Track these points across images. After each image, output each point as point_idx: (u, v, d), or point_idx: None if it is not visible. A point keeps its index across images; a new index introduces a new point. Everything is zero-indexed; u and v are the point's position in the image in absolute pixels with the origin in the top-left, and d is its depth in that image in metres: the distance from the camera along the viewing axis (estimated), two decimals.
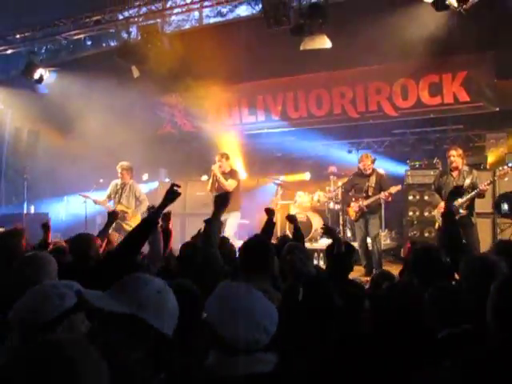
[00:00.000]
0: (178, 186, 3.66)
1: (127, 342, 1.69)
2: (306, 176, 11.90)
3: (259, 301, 1.97)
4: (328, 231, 5.01)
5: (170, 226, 5.14)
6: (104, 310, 1.70)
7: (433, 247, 3.85)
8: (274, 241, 5.71)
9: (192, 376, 1.96)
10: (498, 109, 9.47)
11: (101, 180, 10.05)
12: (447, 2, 7.19)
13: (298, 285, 2.90)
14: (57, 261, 3.18)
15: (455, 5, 7.11)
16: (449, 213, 4.07)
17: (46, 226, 5.77)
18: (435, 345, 2.61)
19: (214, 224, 3.86)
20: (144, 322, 1.72)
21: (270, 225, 5.30)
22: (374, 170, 8.72)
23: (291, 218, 5.82)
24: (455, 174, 7.54)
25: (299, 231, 5.51)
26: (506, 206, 2.90)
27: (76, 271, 3.22)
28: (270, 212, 5.43)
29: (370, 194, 8.61)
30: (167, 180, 12.70)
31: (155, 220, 3.57)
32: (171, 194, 3.61)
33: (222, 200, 4.00)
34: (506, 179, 7.70)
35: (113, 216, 5.39)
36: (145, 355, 1.71)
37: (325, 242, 10.28)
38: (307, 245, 8.98)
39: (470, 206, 7.44)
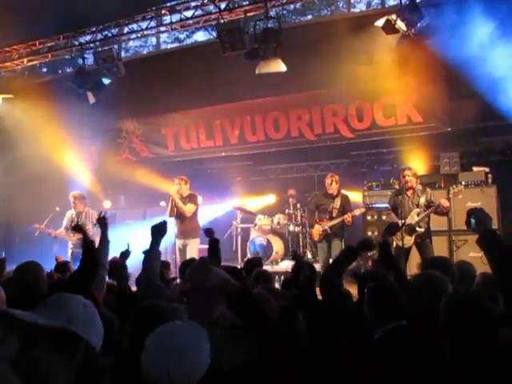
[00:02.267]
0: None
1: (57, 358, 1.67)
2: (271, 198, 11.94)
3: (192, 344, 1.94)
4: (296, 257, 4.98)
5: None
6: (35, 324, 1.66)
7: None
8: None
9: None
10: (449, 129, 9.71)
11: (57, 208, 9.85)
12: (396, 26, 7.38)
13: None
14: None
15: (404, 28, 7.31)
16: (384, 244, 4.21)
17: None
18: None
19: (151, 254, 3.87)
20: (74, 335, 1.71)
21: (213, 245, 5.14)
22: (339, 192, 8.78)
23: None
24: (410, 193, 7.68)
25: None
26: (472, 221, 3.01)
27: (24, 300, 3.10)
28: (208, 232, 5.41)
29: (334, 215, 8.65)
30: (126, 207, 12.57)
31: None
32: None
33: (159, 229, 4.02)
34: (460, 197, 7.88)
35: (104, 221, 4.74)
36: (76, 372, 1.70)
37: (285, 265, 10.32)
38: (268, 267, 8.98)
39: (427, 223, 7.59)
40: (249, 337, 2.41)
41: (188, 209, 8.74)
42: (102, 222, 4.73)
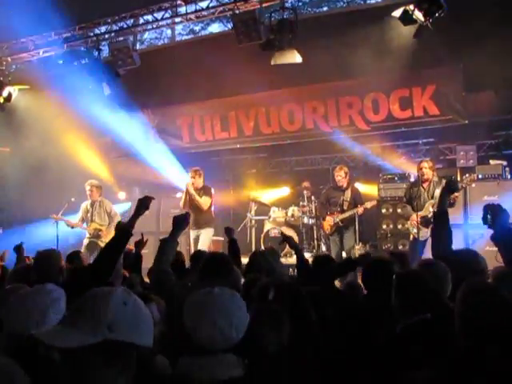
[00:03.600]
0: (152, 198, 3.80)
1: (108, 373, 1.51)
2: (284, 191, 11.92)
3: (233, 301, 2.05)
4: (286, 239, 5.05)
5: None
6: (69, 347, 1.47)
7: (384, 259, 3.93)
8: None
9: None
10: (466, 121, 9.60)
11: (72, 199, 9.90)
12: (414, 17, 7.29)
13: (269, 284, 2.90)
14: (23, 281, 3.10)
15: (422, 19, 7.20)
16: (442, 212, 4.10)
17: (18, 249, 5.63)
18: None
19: (168, 244, 3.89)
20: (121, 342, 1.51)
21: (232, 244, 5.27)
22: (349, 184, 8.75)
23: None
24: (426, 185, 7.63)
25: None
26: (489, 216, 2.94)
27: None
28: (228, 231, 5.44)
29: (345, 208, 8.63)
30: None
31: (129, 230, 3.63)
32: (143, 202, 3.74)
33: (181, 221, 4.01)
34: (473, 185, 7.82)
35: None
36: (132, 375, 1.56)
37: None
38: (282, 260, 8.95)
39: None
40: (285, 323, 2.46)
41: (204, 201, 8.76)
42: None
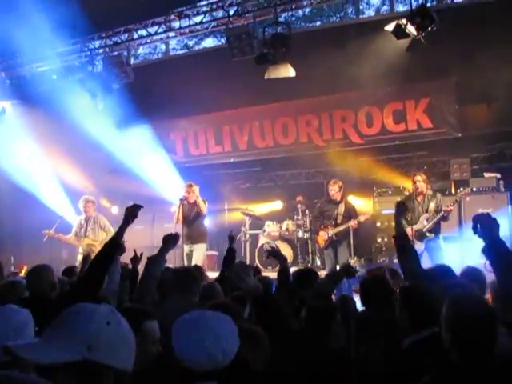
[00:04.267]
0: (140, 206, 3.72)
1: None
2: (277, 205, 11.87)
3: (226, 325, 2.00)
4: (273, 253, 5.04)
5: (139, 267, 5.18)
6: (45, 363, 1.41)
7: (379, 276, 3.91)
8: None
9: None
10: (460, 135, 9.63)
11: (62, 216, 9.85)
12: (407, 31, 7.33)
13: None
14: (13, 297, 3.05)
15: (414, 33, 7.24)
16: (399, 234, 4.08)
17: None
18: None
19: (156, 263, 3.91)
20: (99, 364, 1.45)
21: (229, 252, 5.33)
22: (343, 198, 8.73)
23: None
24: (420, 198, 7.63)
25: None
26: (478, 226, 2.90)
27: (34, 306, 3.06)
28: (231, 239, 5.44)
29: (338, 221, 8.60)
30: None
31: (118, 239, 3.55)
32: (132, 210, 3.67)
33: (169, 240, 4.07)
34: (468, 199, 7.82)
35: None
36: None
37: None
38: (275, 274, 8.89)
39: (437, 229, 7.51)
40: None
41: (203, 207, 8.82)
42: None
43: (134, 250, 5.15)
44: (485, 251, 2.91)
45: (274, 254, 5.06)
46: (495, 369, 2.13)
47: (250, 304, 2.81)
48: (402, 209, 4.25)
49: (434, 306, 2.71)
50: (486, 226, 2.93)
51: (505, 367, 2.16)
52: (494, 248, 2.86)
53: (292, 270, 9.77)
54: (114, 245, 3.51)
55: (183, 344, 1.93)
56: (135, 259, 5.14)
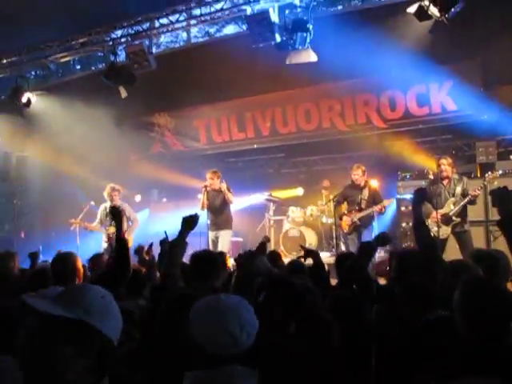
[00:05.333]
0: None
1: (76, 350, 1.66)
2: (299, 191, 11.88)
3: (242, 305, 2.04)
4: (310, 253, 5.02)
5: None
6: (50, 314, 1.66)
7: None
8: None
9: None
10: (485, 117, 9.49)
11: (92, 202, 9.99)
12: (429, 12, 7.22)
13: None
14: (40, 285, 3.13)
15: (437, 14, 7.13)
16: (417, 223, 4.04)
17: (33, 256, 5.68)
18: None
19: (177, 246, 3.89)
20: (91, 327, 1.68)
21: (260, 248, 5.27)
22: (366, 182, 8.71)
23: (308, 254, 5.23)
24: (445, 182, 7.57)
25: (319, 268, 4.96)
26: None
27: None
28: (262, 244, 5.45)
29: (362, 206, 8.58)
30: (164, 200, 12.71)
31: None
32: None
33: (189, 221, 3.98)
34: (496, 183, 7.72)
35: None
36: (93, 362, 1.68)
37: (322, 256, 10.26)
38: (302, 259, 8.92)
39: (463, 213, 7.45)
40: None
41: (230, 196, 8.94)
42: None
43: (165, 232, 5.18)
44: (501, 224, 2.90)
45: (307, 253, 5.03)
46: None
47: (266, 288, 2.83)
48: (421, 196, 4.18)
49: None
50: (502, 199, 2.91)
51: None
52: (509, 221, 2.85)
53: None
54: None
55: (207, 330, 1.96)
56: (164, 242, 5.14)
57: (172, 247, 3.89)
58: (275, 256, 5.52)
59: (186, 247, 3.96)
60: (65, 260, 3.95)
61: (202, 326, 1.98)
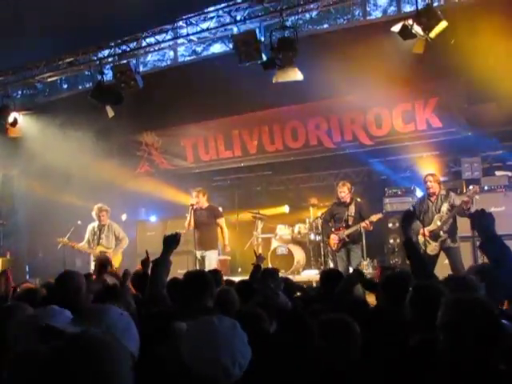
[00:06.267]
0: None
1: None
2: (285, 209, 11.89)
3: (236, 335, 1.98)
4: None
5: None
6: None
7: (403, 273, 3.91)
8: None
9: None
10: (470, 133, 9.59)
11: (79, 222, 9.93)
12: (413, 31, 7.32)
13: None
14: (29, 303, 3.08)
15: (421, 33, 7.24)
16: (407, 240, 4.04)
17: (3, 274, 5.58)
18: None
19: (161, 265, 3.89)
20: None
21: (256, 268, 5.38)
22: (352, 199, 8.74)
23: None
24: (433, 199, 7.62)
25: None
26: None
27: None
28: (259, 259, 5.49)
29: (350, 223, 8.61)
30: (151, 218, 12.65)
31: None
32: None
33: (171, 241, 4.02)
34: (477, 197, 7.83)
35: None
36: None
37: (307, 275, 10.25)
38: (290, 277, 8.90)
39: (452, 229, 7.50)
40: None
41: (226, 233, 9.25)
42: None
43: (146, 252, 5.14)
44: (482, 246, 2.94)
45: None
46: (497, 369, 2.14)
47: (278, 319, 2.81)
48: (409, 218, 4.20)
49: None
50: (482, 223, 2.94)
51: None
52: (490, 243, 2.88)
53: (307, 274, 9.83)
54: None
55: (198, 360, 1.89)
56: (146, 262, 5.11)
57: (154, 266, 3.88)
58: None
59: (170, 266, 3.96)
60: (71, 279, 3.87)
61: (193, 354, 1.92)
